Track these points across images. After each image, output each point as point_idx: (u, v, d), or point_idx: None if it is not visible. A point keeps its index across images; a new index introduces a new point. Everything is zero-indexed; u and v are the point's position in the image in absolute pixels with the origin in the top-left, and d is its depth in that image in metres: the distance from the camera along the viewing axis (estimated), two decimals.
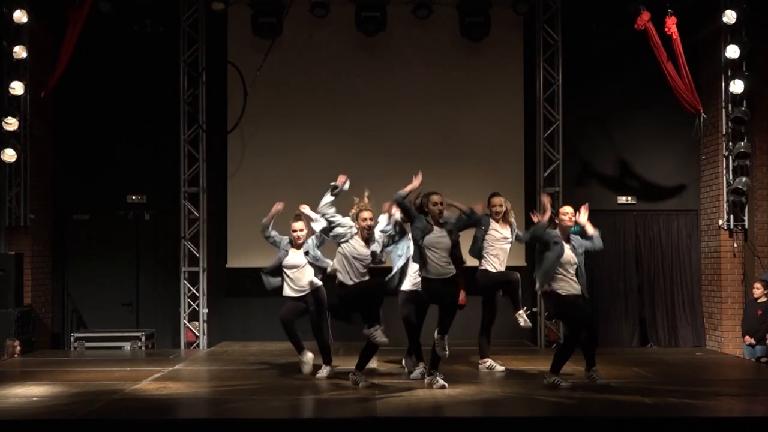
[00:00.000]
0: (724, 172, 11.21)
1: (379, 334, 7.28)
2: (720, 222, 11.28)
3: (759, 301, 9.96)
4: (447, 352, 7.20)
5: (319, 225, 7.92)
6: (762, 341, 9.82)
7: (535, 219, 7.71)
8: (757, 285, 10.02)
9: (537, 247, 7.60)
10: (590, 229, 7.66)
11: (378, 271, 8.09)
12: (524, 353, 10.08)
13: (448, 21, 11.36)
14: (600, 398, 7.04)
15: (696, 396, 7.16)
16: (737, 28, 10.89)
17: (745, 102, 10.99)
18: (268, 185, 11.40)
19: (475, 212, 7.51)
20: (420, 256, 7.31)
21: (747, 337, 9.97)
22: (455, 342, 8.93)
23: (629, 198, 12.00)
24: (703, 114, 11.08)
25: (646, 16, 10.73)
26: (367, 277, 7.55)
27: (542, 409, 6.69)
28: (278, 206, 8.12)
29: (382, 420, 6.30)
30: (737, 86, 10.89)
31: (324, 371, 8.12)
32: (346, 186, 7.65)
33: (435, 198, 7.34)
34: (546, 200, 7.82)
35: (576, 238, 7.66)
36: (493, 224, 8.30)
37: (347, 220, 7.57)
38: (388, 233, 7.64)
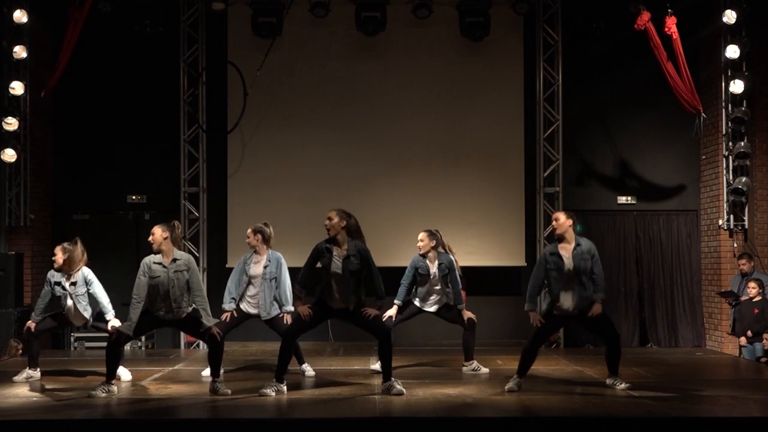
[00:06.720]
0: (724, 172, 11.21)
1: None
2: (720, 222, 11.28)
3: (754, 300, 9.96)
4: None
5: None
6: (757, 337, 9.79)
7: None
8: (752, 284, 10.04)
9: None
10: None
11: None
12: None
13: (448, 21, 11.35)
14: (600, 398, 7.05)
15: (696, 396, 7.17)
16: (737, 28, 10.88)
17: (745, 102, 10.98)
18: (268, 185, 11.45)
19: None
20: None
21: (743, 339, 9.93)
22: (456, 342, 8.98)
23: (629, 198, 12.00)
24: (703, 114, 11.07)
25: (646, 16, 10.73)
26: None
27: (542, 409, 6.68)
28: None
29: (382, 420, 6.31)
30: (737, 86, 10.88)
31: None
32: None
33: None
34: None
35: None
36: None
37: None
38: None
